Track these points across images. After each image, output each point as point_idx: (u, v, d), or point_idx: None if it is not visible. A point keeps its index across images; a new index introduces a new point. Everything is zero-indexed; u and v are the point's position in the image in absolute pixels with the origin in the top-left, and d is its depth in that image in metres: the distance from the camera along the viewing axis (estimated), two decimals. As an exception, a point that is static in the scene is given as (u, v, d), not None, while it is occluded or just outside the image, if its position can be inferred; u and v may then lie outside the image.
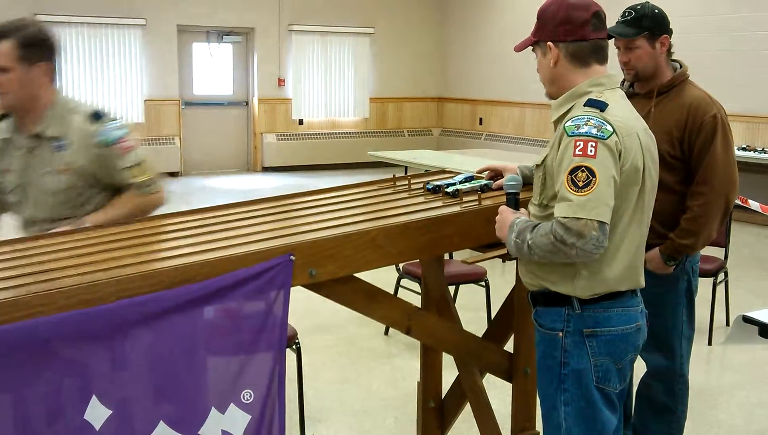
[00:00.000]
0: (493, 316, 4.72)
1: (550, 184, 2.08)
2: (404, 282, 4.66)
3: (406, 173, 8.83)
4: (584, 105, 2.05)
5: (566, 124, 2.03)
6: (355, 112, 12.38)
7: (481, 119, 12.32)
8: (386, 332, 4.87)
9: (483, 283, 4.63)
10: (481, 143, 11.96)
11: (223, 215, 2.40)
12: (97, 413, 1.86)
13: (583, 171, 1.96)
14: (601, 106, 2.04)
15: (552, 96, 2.21)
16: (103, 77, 10.52)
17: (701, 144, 2.78)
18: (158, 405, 1.96)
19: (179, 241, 2.12)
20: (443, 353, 2.88)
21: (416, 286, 4.48)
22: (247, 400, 2.06)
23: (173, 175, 11.05)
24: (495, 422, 2.59)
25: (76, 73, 10.34)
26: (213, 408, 2.02)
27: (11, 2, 9.89)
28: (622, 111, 2.09)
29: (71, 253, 2.05)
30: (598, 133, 1.97)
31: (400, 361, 4.50)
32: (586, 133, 1.98)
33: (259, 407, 2.07)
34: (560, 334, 2.11)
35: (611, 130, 1.99)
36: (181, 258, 1.96)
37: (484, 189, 2.55)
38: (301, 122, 12.04)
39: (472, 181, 2.62)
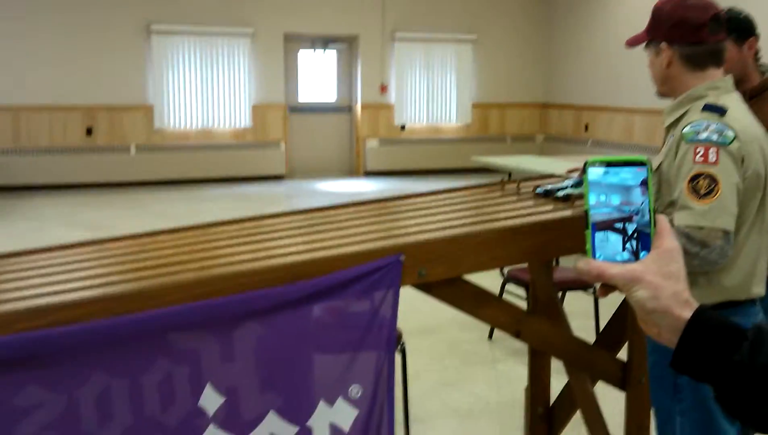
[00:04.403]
0: (601, 324, 4.61)
1: (666, 192, 2.01)
2: (509, 287, 4.60)
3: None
4: (702, 110, 1.97)
5: (684, 130, 1.95)
6: (458, 117, 12.35)
7: (586, 125, 12.06)
8: (490, 336, 4.82)
9: (591, 291, 4.51)
10: (587, 150, 11.71)
11: (332, 215, 2.43)
12: (211, 400, 1.91)
13: (704, 178, 1.88)
14: (720, 110, 1.95)
15: (663, 95, 2.14)
16: (213, 84, 10.86)
17: None
18: (268, 395, 2.00)
19: (291, 240, 2.16)
20: (551, 359, 2.82)
21: (521, 292, 4.42)
22: (355, 395, 2.07)
23: (278, 178, 11.30)
24: (607, 432, 2.51)
25: (187, 79, 10.71)
26: (321, 401, 2.04)
27: (125, 14, 10.35)
28: (743, 115, 2.00)
29: (190, 249, 2.11)
30: (719, 139, 1.89)
31: (504, 366, 4.44)
32: (706, 139, 1.90)
33: (367, 403, 2.08)
34: (675, 342, 2.03)
35: (732, 135, 1.90)
36: (293, 256, 1.99)
37: (597, 192, 2.48)
38: (403, 128, 12.09)
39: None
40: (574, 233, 2.26)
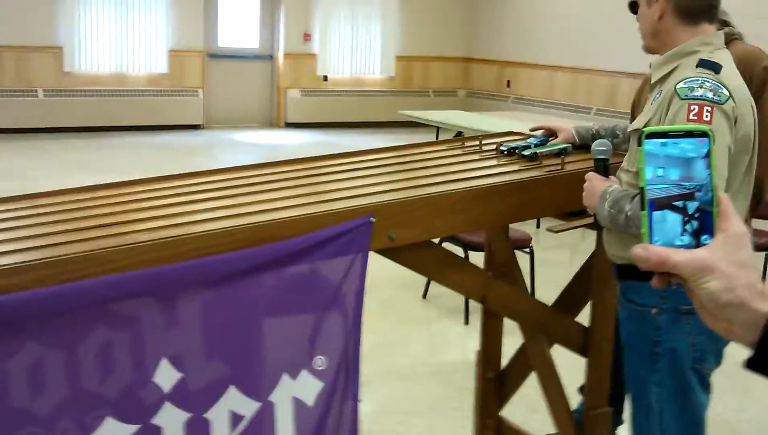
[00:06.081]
0: (536, 285, 4.60)
1: None
2: (447, 246, 4.53)
3: (437, 135, 8.63)
4: (697, 66, 1.89)
5: (678, 86, 1.86)
6: (381, 69, 12.15)
7: (508, 81, 12.07)
8: (424, 296, 4.76)
9: (527, 250, 4.49)
10: (508, 106, 11.73)
11: (293, 171, 2.26)
12: (166, 376, 1.75)
13: None
14: (715, 67, 1.87)
15: (650, 50, 2.05)
16: (127, 25, 10.31)
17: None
18: (227, 369, 1.85)
19: (253, 197, 1.99)
20: (503, 321, 2.76)
21: (460, 252, 4.35)
22: (320, 366, 1.95)
23: (195, 127, 10.90)
24: (564, 397, 2.47)
25: (100, 19, 10.13)
26: (284, 374, 1.91)
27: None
28: (735, 75, 1.93)
29: (137, 207, 1.92)
30: (714, 98, 1.82)
31: (439, 326, 4.39)
32: (701, 96, 1.82)
33: (332, 375, 1.97)
34: (653, 310, 1.98)
35: (728, 94, 1.83)
36: (257, 215, 1.82)
37: (563, 153, 2.40)
38: (325, 78, 11.82)
39: (549, 145, 2.47)
40: (547, 195, 2.18)
